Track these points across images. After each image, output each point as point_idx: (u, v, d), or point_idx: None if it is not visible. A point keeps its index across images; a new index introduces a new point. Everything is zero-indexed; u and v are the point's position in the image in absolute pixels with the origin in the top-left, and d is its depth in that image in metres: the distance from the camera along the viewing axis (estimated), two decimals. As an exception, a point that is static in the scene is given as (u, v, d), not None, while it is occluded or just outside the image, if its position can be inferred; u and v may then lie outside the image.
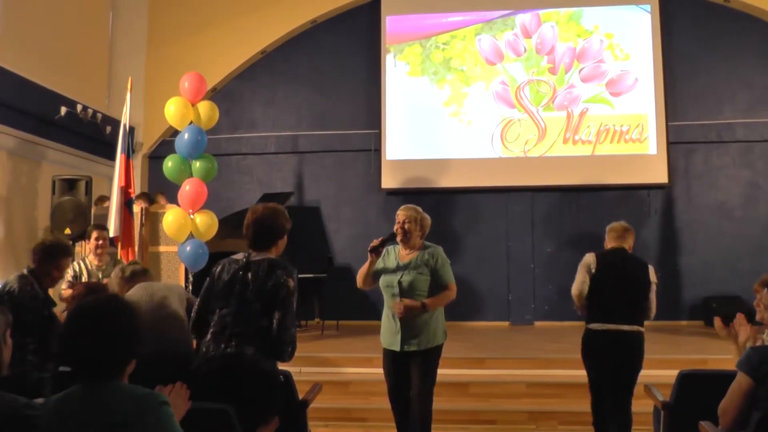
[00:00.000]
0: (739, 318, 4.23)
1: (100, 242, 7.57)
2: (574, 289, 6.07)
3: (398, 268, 5.47)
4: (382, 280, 5.52)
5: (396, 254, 5.57)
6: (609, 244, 6.14)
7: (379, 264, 5.57)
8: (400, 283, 5.38)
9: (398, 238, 5.50)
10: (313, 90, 13.03)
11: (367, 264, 5.55)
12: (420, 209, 5.57)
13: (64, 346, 2.63)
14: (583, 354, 5.94)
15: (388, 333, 5.51)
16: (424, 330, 5.32)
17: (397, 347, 5.39)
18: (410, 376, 5.39)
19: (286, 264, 4.22)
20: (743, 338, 4.17)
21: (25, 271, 5.14)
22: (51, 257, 5.20)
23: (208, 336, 4.16)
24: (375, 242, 5.45)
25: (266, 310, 4.08)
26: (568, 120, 12.11)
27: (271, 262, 4.20)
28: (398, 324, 5.36)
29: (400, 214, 5.54)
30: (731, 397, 3.53)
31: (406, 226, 5.45)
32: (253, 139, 13.11)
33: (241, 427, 3.66)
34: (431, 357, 5.38)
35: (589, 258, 6.03)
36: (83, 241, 9.01)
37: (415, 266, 5.41)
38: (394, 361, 5.47)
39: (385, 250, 5.56)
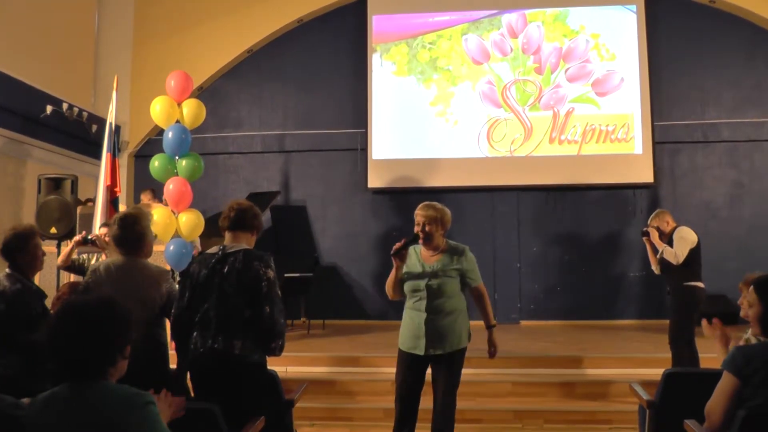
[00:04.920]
0: (715, 323, 4.25)
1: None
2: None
3: (425, 272, 5.17)
4: (408, 285, 5.19)
5: (418, 256, 5.25)
6: (672, 223, 7.66)
7: (403, 268, 5.22)
8: (428, 287, 5.09)
9: (420, 241, 5.19)
10: (300, 89, 13.01)
11: (393, 271, 5.23)
12: (439, 205, 5.25)
13: (51, 345, 2.61)
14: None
15: (411, 336, 5.16)
16: (450, 333, 5.09)
17: (421, 351, 5.08)
18: (424, 379, 5.20)
19: (262, 254, 4.26)
20: (730, 340, 4.18)
21: (8, 270, 4.96)
22: (23, 244, 4.99)
23: (194, 332, 4.16)
24: (398, 245, 5.09)
25: (249, 302, 4.11)
26: (554, 120, 12.14)
27: (246, 252, 4.24)
28: (424, 329, 5.07)
29: (419, 214, 5.20)
30: (717, 397, 3.54)
31: (427, 228, 5.13)
32: (240, 138, 13.08)
33: (228, 426, 3.66)
34: (457, 359, 5.15)
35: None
36: (68, 241, 8.99)
37: (444, 269, 5.16)
38: (412, 365, 5.16)
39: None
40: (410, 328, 5.18)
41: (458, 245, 5.27)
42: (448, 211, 5.26)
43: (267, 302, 4.11)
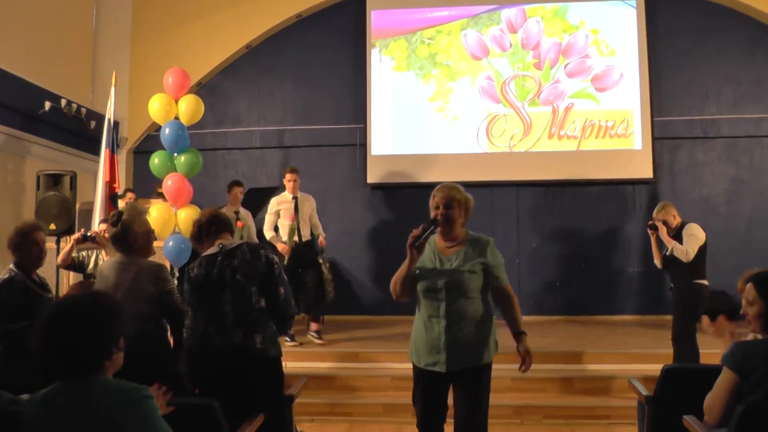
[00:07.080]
0: (721, 319, 4.28)
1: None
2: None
3: (442, 266, 4.28)
4: (422, 284, 4.27)
5: (433, 248, 4.36)
6: (678, 217, 7.73)
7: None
8: (447, 285, 4.20)
9: (439, 227, 4.28)
10: (299, 85, 12.99)
11: (406, 265, 4.22)
12: (462, 188, 4.40)
13: (45, 343, 2.61)
14: None
15: (428, 350, 4.26)
16: (476, 343, 4.27)
17: (442, 368, 4.19)
18: (447, 402, 4.34)
19: (263, 244, 4.47)
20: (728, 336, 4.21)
21: (11, 266, 5.08)
22: (23, 239, 5.10)
23: (207, 329, 4.20)
24: (416, 232, 4.11)
25: (263, 290, 4.27)
26: (554, 115, 12.12)
27: (249, 244, 4.42)
28: (444, 339, 4.18)
29: (438, 195, 4.32)
30: (717, 393, 3.54)
31: (448, 212, 4.28)
32: (239, 134, 13.05)
33: (235, 420, 3.69)
34: (484, 374, 4.32)
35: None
36: (68, 237, 8.98)
37: (465, 263, 4.27)
38: (433, 386, 4.30)
39: None
40: (426, 340, 4.27)
41: (481, 236, 4.46)
42: (471, 197, 4.46)
43: (281, 284, 4.33)
